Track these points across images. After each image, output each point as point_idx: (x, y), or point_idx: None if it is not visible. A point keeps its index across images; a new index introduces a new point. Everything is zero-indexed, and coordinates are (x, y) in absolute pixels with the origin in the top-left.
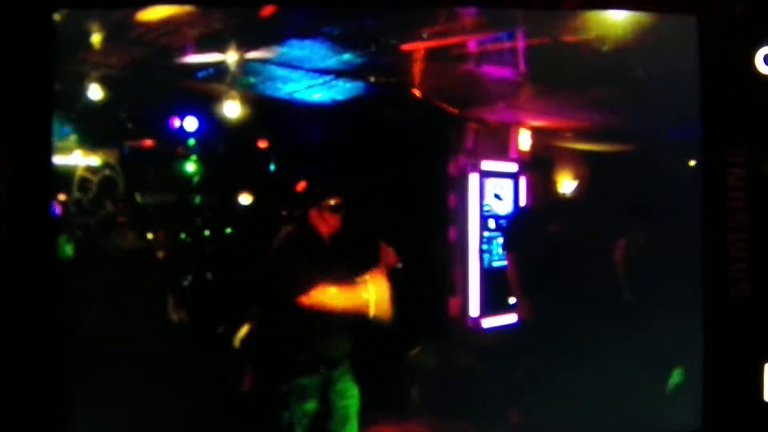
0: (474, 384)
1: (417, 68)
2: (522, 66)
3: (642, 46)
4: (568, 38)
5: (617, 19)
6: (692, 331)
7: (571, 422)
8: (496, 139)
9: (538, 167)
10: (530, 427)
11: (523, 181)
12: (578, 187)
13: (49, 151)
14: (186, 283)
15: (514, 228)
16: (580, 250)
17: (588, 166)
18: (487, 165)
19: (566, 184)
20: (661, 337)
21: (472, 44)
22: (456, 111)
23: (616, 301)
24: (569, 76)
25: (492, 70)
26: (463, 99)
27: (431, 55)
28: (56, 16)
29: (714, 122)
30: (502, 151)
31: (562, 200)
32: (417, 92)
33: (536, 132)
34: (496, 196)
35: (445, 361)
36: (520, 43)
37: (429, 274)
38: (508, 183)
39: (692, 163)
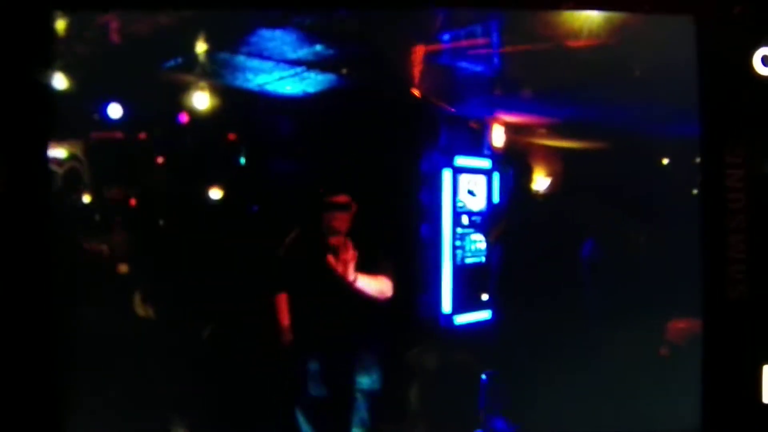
0: (455, 383)
1: (391, 62)
2: (502, 62)
3: (638, 47)
4: (562, 39)
5: (614, 19)
6: (690, 332)
7: (566, 423)
8: (471, 135)
9: (526, 163)
10: (523, 428)
11: (497, 177)
12: (565, 186)
13: (46, 150)
14: (153, 278)
15: (493, 224)
16: (569, 250)
17: (577, 167)
18: (461, 161)
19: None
20: (658, 337)
21: (448, 39)
22: (431, 106)
23: (611, 301)
24: (563, 76)
25: (469, 66)
26: (438, 94)
27: (406, 48)
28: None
29: (712, 123)
30: (477, 147)
31: (552, 198)
32: (390, 86)
33: (515, 128)
34: (470, 192)
35: (418, 360)
36: (499, 39)
37: (401, 271)
38: (482, 179)
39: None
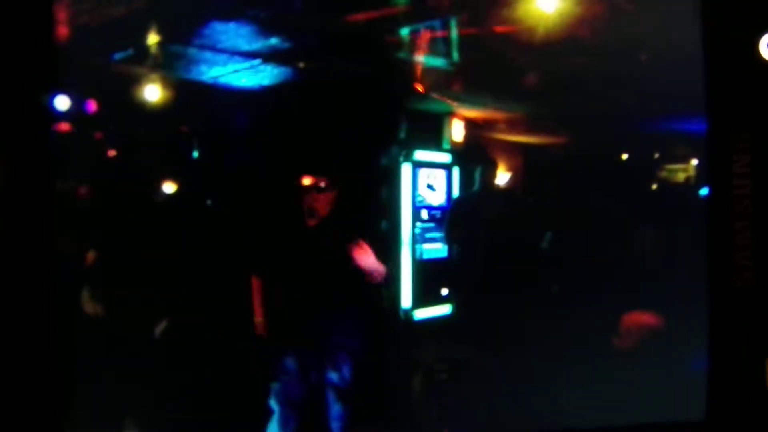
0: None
1: (348, 54)
2: (461, 51)
3: (643, 31)
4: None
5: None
6: (696, 320)
7: (574, 411)
8: (431, 129)
9: (488, 158)
10: (538, 417)
11: (457, 171)
12: (566, 175)
13: (48, 143)
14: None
15: (453, 219)
16: (534, 244)
17: (580, 154)
18: (420, 155)
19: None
20: (664, 326)
21: (407, 30)
22: (390, 99)
23: (624, 290)
24: (567, 61)
25: (431, 58)
26: (398, 87)
27: (364, 40)
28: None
29: (718, 109)
30: (437, 141)
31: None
32: (348, 80)
33: (476, 123)
34: (429, 187)
35: (379, 355)
36: (455, 30)
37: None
38: (442, 173)
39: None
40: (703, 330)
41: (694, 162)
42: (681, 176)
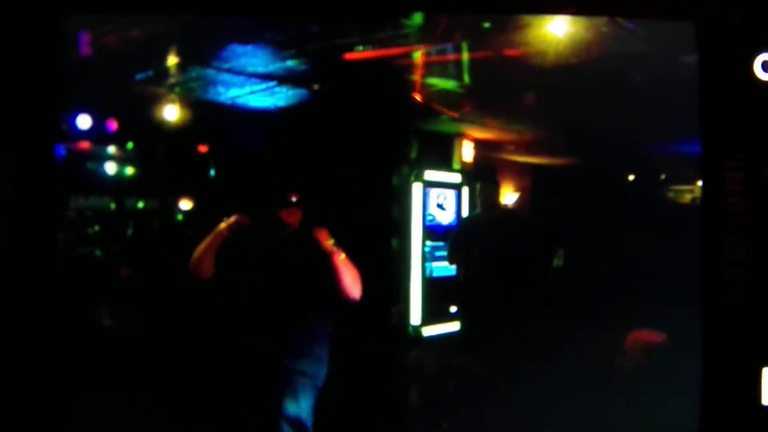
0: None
1: (361, 77)
2: (469, 75)
3: (641, 53)
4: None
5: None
6: (690, 335)
7: (567, 426)
8: (442, 150)
9: (496, 178)
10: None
11: (466, 191)
12: (565, 193)
13: (53, 152)
14: (122, 287)
15: (461, 238)
16: (540, 262)
17: (579, 172)
18: (430, 175)
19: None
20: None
21: (418, 54)
22: (401, 120)
23: (619, 303)
24: (567, 83)
25: (438, 81)
26: (408, 108)
27: (376, 64)
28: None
29: (713, 128)
30: (447, 162)
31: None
32: (360, 101)
33: (485, 144)
34: (439, 206)
35: (389, 370)
36: (465, 54)
37: (371, 282)
38: (452, 193)
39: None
40: (698, 344)
41: (699, 183)
42: (687, 197)
